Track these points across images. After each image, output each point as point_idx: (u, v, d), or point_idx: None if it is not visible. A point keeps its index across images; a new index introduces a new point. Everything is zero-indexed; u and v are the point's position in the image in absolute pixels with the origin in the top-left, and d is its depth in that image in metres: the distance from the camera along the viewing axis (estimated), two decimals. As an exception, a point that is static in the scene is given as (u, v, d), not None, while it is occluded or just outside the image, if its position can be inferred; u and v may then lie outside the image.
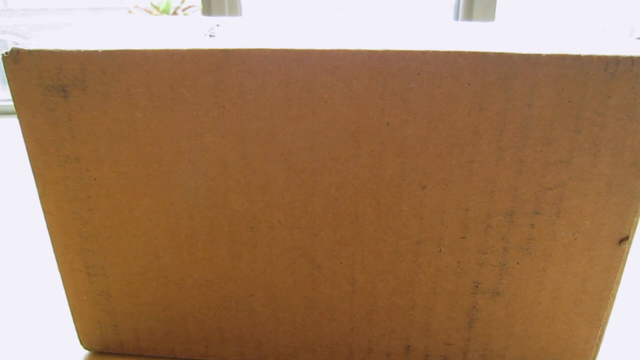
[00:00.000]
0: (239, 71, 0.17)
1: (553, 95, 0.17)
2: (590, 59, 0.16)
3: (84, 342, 0.23)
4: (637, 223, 0.18)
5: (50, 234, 0.21)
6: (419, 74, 0.17)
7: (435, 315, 0.21)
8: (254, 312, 0.21)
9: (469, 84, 0.17)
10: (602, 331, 0.20)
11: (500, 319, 0.20)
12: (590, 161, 0.17)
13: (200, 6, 1.04)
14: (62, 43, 0.18)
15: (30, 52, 0.18)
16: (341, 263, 0.20)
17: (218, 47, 0.17)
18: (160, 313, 0.22)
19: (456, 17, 1.10)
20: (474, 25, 0.20)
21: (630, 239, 0.19)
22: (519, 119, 0.17)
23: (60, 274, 0.22)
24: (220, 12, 1.07)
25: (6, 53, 0.18)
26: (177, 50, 0.17)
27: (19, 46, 0.18)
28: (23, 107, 0.18)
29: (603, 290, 0.20)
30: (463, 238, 0.19)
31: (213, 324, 0.22)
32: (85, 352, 0.24)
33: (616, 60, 0.16)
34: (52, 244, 0.21)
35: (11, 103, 0.73)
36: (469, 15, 1.06)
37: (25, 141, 0.19)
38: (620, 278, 0.19)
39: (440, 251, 0.19)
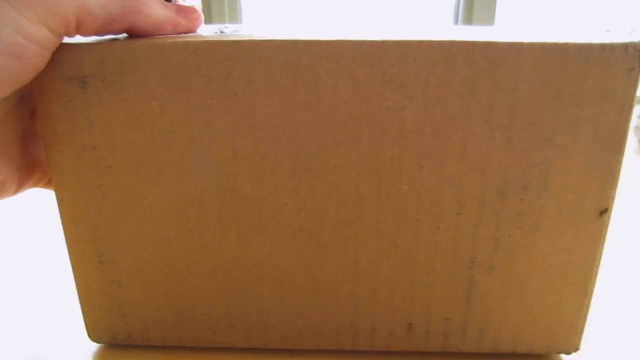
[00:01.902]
0: (250, 61, 0.18)
1: (535, 79, 0.18)
2: (566, 45, 0.18)
3: (92, 334, 0.23)
4: (614, 196, 0.20)
5: (63, 223, 0.21)
6: (415, 61, 0.18)
7: (435, 291, 0.22)
8: (261, 296, 0.22)
9: (461, 70, 0.18)
10: (589, 300, 0.22)
11: (496, 292, 0.21)
12: (571, 139, 0.19)
13: (201, 6, 1.05)
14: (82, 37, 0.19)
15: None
16: (345, 243, 0.21)
17: (230, 39, 0.18)
18: (169, 301, 0.22)
19: (456, 21, 1.11)
20: (467, 27, 0.22)
21: (609, 210, 0.20)
22: (506, 101, 0.18)
23: (71, 263, 0.22)
24: (220, 12, 1.07)
25: None
26: (192, 42, 0.18)
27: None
28: (42, 98, 0.19)
29: (588, 260, 0.21)
30: (459, 214, 0.20)
31: (221, 311, 0.22)
32: (92, 345, 0.24)
33: (589, 47, 0.18)
34: (65, 233, 0.21)
35: None
36: (468, 18, 1.06)
37: (41, 131, 0.20)
38: (602, 249, 0.21)
39: (438, 228, 0.20)
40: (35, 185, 0.22)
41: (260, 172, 0.20)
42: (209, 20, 1.07)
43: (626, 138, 0.19)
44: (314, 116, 0.19)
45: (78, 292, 0.22)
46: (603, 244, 0.21)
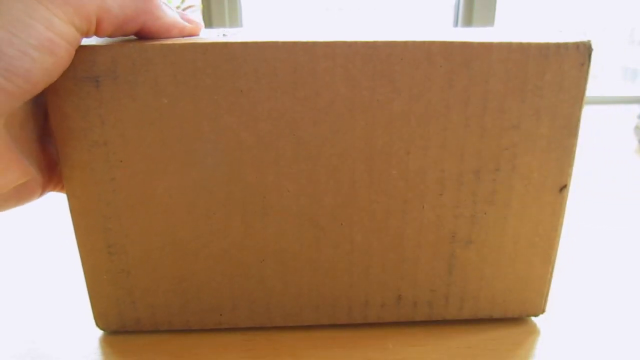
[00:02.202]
0: (254, 60, 0.20)
1: (503, 73, 0.21)
2: (528, 45, 0.21)
3: (100, 322, 0.24)
4: (571, 173, 0.23)
5: (72, 216, 0.22)
6: (402, 59, 0.21)
7: (421, 265, 0.24)
8: (264, 277, 0.24)
9: (441, 66, 0.21)
10: (552, 267, 0.25)
11: (474, 264, 0.24)
12: (534, 125, 0.22)
13: (200, 6, 1.04)
14: (94, 38, 0.20)
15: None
16: (341, 224, 0.23)
17: (236, 41, 0.20)
18: (177, 286, 0.24)
19: (456, 21, 1.10)
20: (455, 29, 0.24)
21: (567, 186, 0.23)
22: (479, 93, 0.21)
23: (80, 255, 0.23)
24: (220, 12, 1.05)
25: None
26: (200, 43, 0.20)
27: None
28: (55, 97, 0.20)
29: (551, 232, 0.24)
30: (440, 195, 0.23)
31: (226, 292, 0.24)
32: (100, 333, 0.24)
33: (547, 46, 0.21)
34: (74, 226, 0.22)
35: None
36: (468, 18, 1.05)
37: (54, 128, 0.21)
38: (562, 221, 0.24)
39: (423, 208, 0.23)
40: (55, 188, 0.22)
41: (263, 161, 0.22)
42: (209, 20, 1.06)
43: (579, 124, 0.22)
44: (313, 109, 0.21)
45: (86, 282, 0.23)
46: (563, 217, 0.24)
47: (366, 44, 0.20)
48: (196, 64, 0.20)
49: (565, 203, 0.24)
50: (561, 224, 0.24)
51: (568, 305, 0.27)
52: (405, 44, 0.20)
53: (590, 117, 0.69)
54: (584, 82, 0.22)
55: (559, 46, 0.21)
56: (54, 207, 0.22)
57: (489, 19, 1.05)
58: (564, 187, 0.23)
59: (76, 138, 0.21)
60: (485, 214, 0.23)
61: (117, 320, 0.24)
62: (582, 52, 0.21)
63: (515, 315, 0.26)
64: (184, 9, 1.04)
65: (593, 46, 0.21)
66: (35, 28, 0.16)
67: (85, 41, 0.20)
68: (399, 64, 0.21)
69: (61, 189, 0.23)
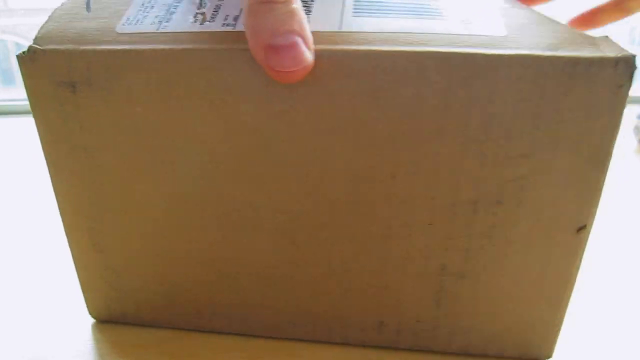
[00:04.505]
0: (228, 71, 0.18)
1: (513, 94, 0.17)
2: (549, 60, 0.16)
3: (91, 311, 0.25)
4: (595, 213, 0.19)
5: (61, 215, 0.22)
6: (387, 72, 0.17)
7: (406, 294, 0.21)
8: (240, 288, 0.22)
9: (435, 83, 0.17)
10: (563, 311, 0.21)
11: (466, 299, 0.21)
12: (549, 156, 0.18)
13: None
14: (72, 42, 0.19)
15: (44, 51, 0.18)
16: (319, 245, 0.21)
17: (209, 48, 0.18)
18: (159, 287, 0.23)
19: None
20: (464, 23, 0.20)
21: (588, 227, 0.19)
22: (481, 116, 0.17)
23: (71, 250, 0.23)
24: None
25: (23, 53, 0.19)
26: (173, 50, 0.18)
27: (34, 46, 0.19)
28: (37, 101, 0.20)
29: (563, 276, 0.20)
30: (430, 224, 0.19)
31: (205, 299, 0.23)
32: (92, 320, 0.25)
33: (574, 62, 0.16)
34: (63, 224, 0.22)
35: (11, 103, 0.71)
36: None
37: (38, 132, 0.20)
38: (579, 264, 0.20)
39: (409, 236, 0.20)
40: None
41: (238, 175, 0.20)
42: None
43: (611, 156, 0.18)
44: (289, 124, 0.19)
45: (78, 275, 0.24)
46: (580, 259, 0.20)
47: (347, 53, 0.17)
48: (168, 73, 0.18)
49: (584, 246, 0.19)
50: (577, 267, 0.20)
51: (580, 348, 0.23)
52: (392, 55, 0.17)
53: None
54: (621, 108, 0.17)
55: (590, 62, 0.16)
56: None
57: None
58: (582, 228, 0.19)
59: (58, 141, 0.20)
60: (481, 248, 0.20)
61: (105, 312, 0.24)
62: (621, 72, 0.16)
63: (514, 356, 0.22)
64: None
65: (638, 63, 0.16)
66: None
67: (64, 46, 0.19)
68: (385, 79, 0.17)
69: None
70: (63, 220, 0.22)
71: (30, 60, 0.19)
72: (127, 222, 0.22)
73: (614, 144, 0.17)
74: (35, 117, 0.20)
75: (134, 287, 0.23)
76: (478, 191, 0.19)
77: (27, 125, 0.54)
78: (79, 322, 0.25)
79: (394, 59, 0.17)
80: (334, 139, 0.19)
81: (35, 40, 0.19)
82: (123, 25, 0.19)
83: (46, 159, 0.21)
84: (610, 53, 0.16)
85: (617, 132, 0.17)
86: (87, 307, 0.24)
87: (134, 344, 0.23)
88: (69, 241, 0.23)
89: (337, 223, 0.20)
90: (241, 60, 0.18)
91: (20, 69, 0.19)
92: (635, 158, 0.50)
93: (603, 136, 0.17)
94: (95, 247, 0.22)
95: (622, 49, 0.16)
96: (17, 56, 0.19)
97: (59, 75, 0.19)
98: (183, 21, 0.19)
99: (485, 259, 0.20)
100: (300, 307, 0.22)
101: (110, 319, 0.24)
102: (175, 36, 0.19)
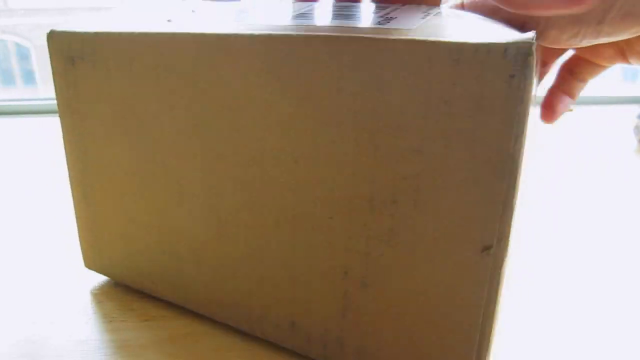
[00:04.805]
0: (164, 52, 0.20)
1: (402, 80, 0.16)
2: (433, 45, 0.15)
3: (85, 262, 0.28)
4: (501, 232, 0.16)
5: (67, 168, 0.27)
6: (287, 55, 0.18)
7: (313, 295, 0.20)
8: (180, 256, 0.24)
9: (327, 67, 0.17)
10: (481, 347, 0.17)
11: (371, 312, 0.19)
12: (442, 152, 0.16)
13: None
14: (75, 26, 0.23)
15: (57, 32, 0.24)
16: (238, 225, 0.21)
17: (156, 32, 0.20)
18: (125, 246, 0.26)
19: None
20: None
21: (496, 251, 0.16)
22: (372, 102, 0.16)
23: (72, 203, 0.27)
24: None
25: (50, 32, 0.24)
26: (133, 33, 0.21)
27: (53, 28, 0.24)
28: (54, 72, 0.25)
29: (472, 302, 0.17)
30: (330, 218, 0.19)
31: (157, 264, 0.25)
32: (86, 271, 0.29)
33: (459, 48, 0.14)
34: (68, 177, 0.27)
35: (11, 103, 0.71)
36: None
37: (56, 97, 0.25)
38: (495, 294, 0.16)
39: (312, 228, 0.19)
40: None
41: (178, 150, 0.22)
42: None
43: (515, 162, 0.15)
44: (212, 103, 0.20)
45: (77, 226, 0.28)
46: (494, 288, 0.16)
47: (257, 38, 0.18)
48: (130, 53, 0.22)
49: (496, 271, 0.16)
50: (490, 297, 0.16)
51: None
52: (290, 39, 0.17)
53: (590, 117, 0.67)
54: (515, 103, 0.14)
55: (476, 49, 0.14)
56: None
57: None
58: (488, 249, 0.16)
59: (63, 105, 0.25)
60: (382, 255, 0.18)
61: (94, 264, 0.28)
62: (511, 60, 0.14)
63: None
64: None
65: (533, 51, 0.14)
66: None
67: (69, 29, 0.23)
68: (286, 60, 0.18)
69: None
70: (68, 174, 0.27)
71: (50, 38, 0.24)
72: (104, 179, 0.25)
73: (518, 147, 0.15)
74: (54, 85, 0.25)
75: (109, 241, 0.26)
76: (373, 187, 0.17)
77: (27, 125, 0.62)
78: (75, 271, 0.29)
79: (291, 42, 0.17)
80: (247, 119, 0.19)
81: (58, 24, 0.24)
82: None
83: (60, 118, 0.26)
84: (502, 39, 0.14)
85: (518, 132, 0.15)
86: (83, 258, 0.28)
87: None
88: (71, 194, 0.27)
89: (252, 205, 0.20)
90: (169, 42, 0.20)
91: (47, 46, 0.25)
92: (635, 158, 0.49)
93: (499, 135, 0.15)
94: (86, 200, 0.26)
95: (520, 36, 0.14)
96: (47, 34, 0.24)
97: (65, 51, 0.24)
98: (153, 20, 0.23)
99: (387, 268, 0.18)
100: (225, 288, 0.23)
101: (96, 270, 0.28)
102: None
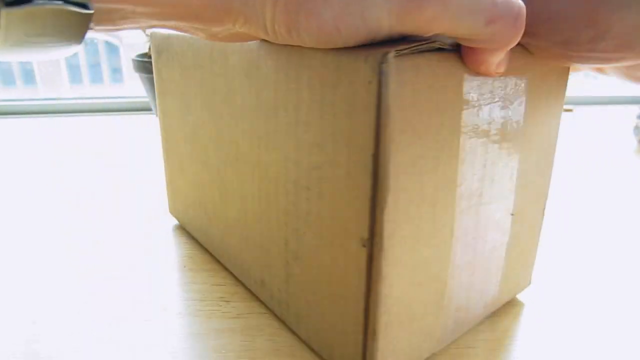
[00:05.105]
0: (195, 50, 0.25)
1: (310, 81, 0.18)
2: (321, 51, 0.17)
3: (169, 209, 0.36)
4: (375, 228, 0.17)
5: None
6: (244, 51, 0.21)
7: (271, 259, 0.23)
8: (207, 212, 0.29)
9: (267, 64, 0.20)
10: (367, 332, 0.18)
11: (302, 283, 0.21)
12: (333, 148, 0.17)
13: None
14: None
15: (153, 32, 0.30)
16: (233, 194, 0.25)
17: (190, 37, 0.24)
18: (185, 198, 0.32)
19: None
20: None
21: (372, 246, 0.17)
22: (293, 99, 0.19)
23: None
24: None
25: (151, 33, 0.31)
26: (185, 38, 0.25)
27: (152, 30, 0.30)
28: (153, 60, 0.31)
29: (355, 289, 0.18)
30: (274, 194, 0.22)
31: (196, 214, 0.31)
32: (169, 216, 0.36)
33: (340, 56, 0.16)
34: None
35: (11, 103, 0.72)
36: None
37: (154, 79, 0.32)
38: (373, 285, 0.17)
39: (267, 201, 0.22)
40: None
41: (202, 126, 0.27)
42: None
43: (382, 164, 0.16)
44: (203, 91, 0.25)
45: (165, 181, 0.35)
46: (374, 279, 0.17)
47: (237, 48, 0.21)
48: (182, 50, 0.27)
49: (375, 265, 0.17)
50: (374, 293, 0.17)
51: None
52: (252, 53, 0.21)
53: (590, 117, 0.67)
54: (374, 107, 0.15)
55: (351, 57, 0.16)
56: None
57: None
58: (366, 242, 0.17)
59: (157, 87, 0.32)
60: (305, 234, 0.20)
61: (173, 211, 0.35)
62: (370, 66, 0.15)
63: (325, 357, 0.21)
64: None
65: (390, 62, 0.15)
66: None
67: (156, 32, 0.30)
68: (246, 56, 0.21)
69: None
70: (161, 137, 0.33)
71: (151, 36, 0.31)
72: (174, 143, 0.32)
73: (380, 148, 0.15)
74: (153, 70, 0.32)
75: (177, 194, 0.33)
76: (297, 172, 0.20)
77: (27, 125, 0.62)
78: (162, 216, 0.36)
79: (259, 44, 0.20)
80: (224, 106, 0.23)
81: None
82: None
83: (157, 93, 0.32)
84: (369, 50, 0.15)
85: (380, 135, 0.15)
86: (168, 206, 0.35)
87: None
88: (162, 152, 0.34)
89: (239, 174, 0.24)
90: (200, 47, 0.25)
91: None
92: (635, 158, 0.50)
93: (363, 136, 0.16)
94: (167, 160, 0.34)
95: (386, 49, 0.15)
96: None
97: (156, 45, 0.31)
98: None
99: (308, 246, 0.20)
100: (229, 242, 0.27)
101: (174, 216, 0.35)
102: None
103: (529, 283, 0.27)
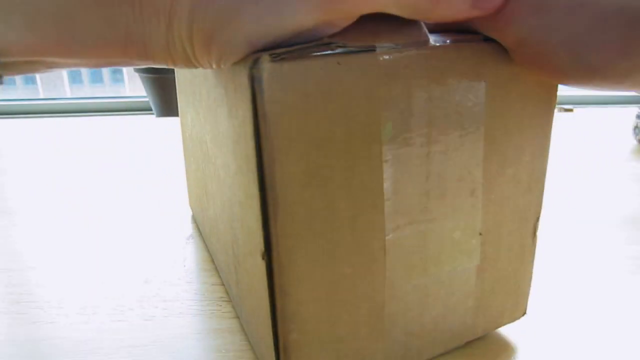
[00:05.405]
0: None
1: (224, 84, 0.17)
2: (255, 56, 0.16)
3: (189, 202, 0.36)
4: (269, 241, 0.16)
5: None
6: (201, 78, 0.22)
7: (229, 264, 0.24)
8: (203, 203, 0.29)
9: (225, 90, 0.19)
10: (279, 350, 0.18)
11: (243, 290, 0.22)
12: (234, 157, 0.18)
13: None
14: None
15: None
16: (213, 197, 0.25)
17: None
18: (193, 189, 0.33)
19: None
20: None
21: (267, 259, 0.16)
22: (222, 103, 0.19)
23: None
24: None
25: None
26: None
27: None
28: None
29: (263, 303, 0.18)
30: (225, 195, 0.22)
31: (197, 203, 0.33)
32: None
33: (248, 58, 0.15)
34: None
35: (11, 103, 0.80)
36: None
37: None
38: (274, 298, 0.17)
39: (239, 207, 0.22)
40: None
41: (202, 126, 0.26)
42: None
43: (268, 172, 0.15)
44: (191, 90, 0.25)
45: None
46: (278, 295, 0.17)
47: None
48: None
49: (274, 280, 0.16)
50: (278, 307, 0.17)
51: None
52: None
53: (590, 117, 0.67)
54: (251, 114, 0.14)
55: (251, 59, 0.15)
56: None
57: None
58: (264, 255, 0.16)
59: (178, 83, 0.31)
60: (238, 240, 0.21)
61: (190, 204, 0.36)
62: (245, 73, 0.14)
63: None
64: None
65: (261, 66, 0.14)
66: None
67: None
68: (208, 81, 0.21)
69: None
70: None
71: None
72: (186, 138, 0.31)
73: (261, 158, 0.15)
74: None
75: (192, 188, 0.34)
76: (228, 177, 0.20)
77: (27, 126, 0.62)
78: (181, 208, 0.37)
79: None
80: (201, 104, 0.23)
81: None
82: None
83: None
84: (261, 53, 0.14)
85: (262, 143, 0.14)
86: (189, 200, 0.36)
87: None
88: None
89: (210, 174, 0.24)
90: None
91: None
92: (634, 158, 0.49)
93: (247, 145, 0.15)
94: (184, 150, 0.33)
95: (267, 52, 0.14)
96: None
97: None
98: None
99: (242, 254, 0.20)
100: (211, 237, 0.28)
101: (191, 207, 0.35)
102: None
103: (523, 313, 0.24)
